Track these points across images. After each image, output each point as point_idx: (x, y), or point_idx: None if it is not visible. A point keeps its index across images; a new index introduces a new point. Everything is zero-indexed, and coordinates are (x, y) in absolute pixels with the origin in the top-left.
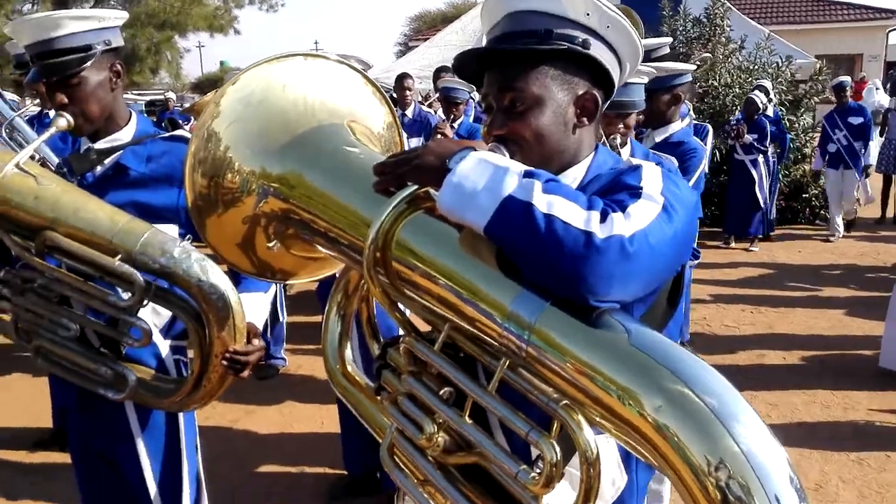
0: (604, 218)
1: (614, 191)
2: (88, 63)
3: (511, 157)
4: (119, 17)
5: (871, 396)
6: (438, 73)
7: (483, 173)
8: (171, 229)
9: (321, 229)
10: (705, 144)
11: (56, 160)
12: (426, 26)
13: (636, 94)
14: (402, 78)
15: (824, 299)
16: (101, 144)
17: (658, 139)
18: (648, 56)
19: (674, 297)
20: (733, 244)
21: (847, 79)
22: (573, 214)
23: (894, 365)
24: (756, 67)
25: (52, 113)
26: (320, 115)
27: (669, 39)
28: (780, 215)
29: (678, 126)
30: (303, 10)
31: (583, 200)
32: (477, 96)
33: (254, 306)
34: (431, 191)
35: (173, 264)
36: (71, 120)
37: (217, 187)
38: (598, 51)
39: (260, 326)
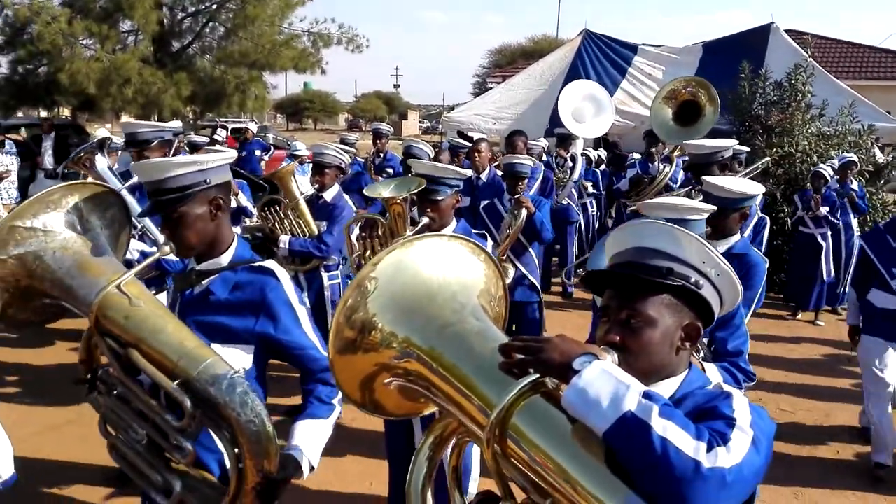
0: (710, 448)
1: (711, 416)
2: (186, 202)
3: (619, 364)
4: (223, 158)
5: None
6: (511, 136)
7: (607, 384)
8: (246, 351)
9: (446, 391)
10: (763, 236)
11: (138, 208)
12: (505, 60)
13: (698, 228)
14: (478, 142)
15: None
16: (202, 266)
17: (721, 250)
18: (714, 156)
19: None
20: (800, 315)
21: None
22: (685, 442)
23: None
24: (836, 134)
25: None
26: (455, 286)
27: (735, 142)
28: None
29: (738, 237)
30: (384, 39)
31: (692, 429)
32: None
33: (316, 432)
34: (547, 380)
35: (218, 395)
36: (173, 247)
37: (362, 339)
38: (707, 291)
39: (320, 451)
